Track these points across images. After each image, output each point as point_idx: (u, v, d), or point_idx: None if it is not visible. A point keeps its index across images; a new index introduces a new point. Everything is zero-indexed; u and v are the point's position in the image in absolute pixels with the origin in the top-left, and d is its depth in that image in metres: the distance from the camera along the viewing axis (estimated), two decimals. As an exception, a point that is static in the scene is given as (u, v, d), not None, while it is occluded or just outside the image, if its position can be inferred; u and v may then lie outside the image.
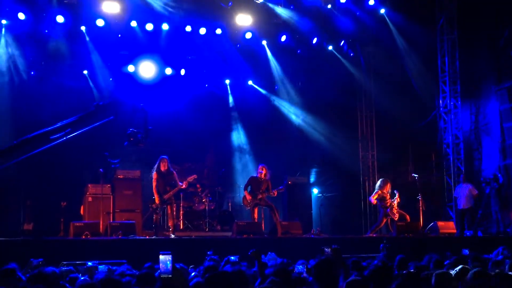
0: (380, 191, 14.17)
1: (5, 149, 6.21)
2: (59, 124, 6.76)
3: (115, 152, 13.25)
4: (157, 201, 12.72)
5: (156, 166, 12.77)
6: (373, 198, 14.23)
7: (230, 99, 18.18)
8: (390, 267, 5.89)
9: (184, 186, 12.97)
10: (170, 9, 15.22)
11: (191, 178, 13.20)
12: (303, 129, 18.24)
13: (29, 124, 11.65)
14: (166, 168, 12.71)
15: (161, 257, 4.44)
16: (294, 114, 18.21)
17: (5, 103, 14.57)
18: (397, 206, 14.15)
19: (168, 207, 13.12)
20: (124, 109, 7.62)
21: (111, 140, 12.74)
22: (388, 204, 14.06)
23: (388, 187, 14.26)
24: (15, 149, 6.20)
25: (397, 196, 14.17)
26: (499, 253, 8.25)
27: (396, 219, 13.98)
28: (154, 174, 12.73)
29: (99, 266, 7.69)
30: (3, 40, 14.90)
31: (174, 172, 12.87)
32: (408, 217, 14.19)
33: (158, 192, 12.72)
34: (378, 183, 14.47)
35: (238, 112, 18.25)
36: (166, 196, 12.74)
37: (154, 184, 12.72)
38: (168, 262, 4.43)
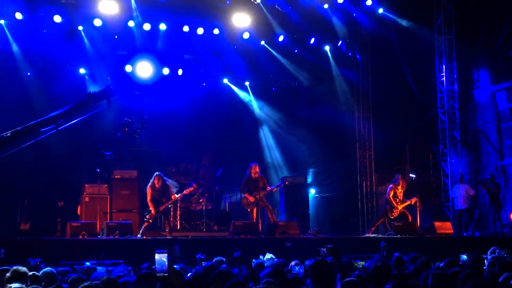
0: (393, 186, 14.18)
1: None
2: (51, 115, 6.67)
3: (111, 146, 13.40)
4: (153, 212, 12.86)
5: (151, 182, 12.95)
6: (390, 196, 14.14)
7: (228, 98, 18.12)
8: (389, 267, 5.88)
9: (179, 197, 13.43)
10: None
11: (187, 191, 13.56)
12: (301, 129, 18.21)
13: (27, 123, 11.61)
14: (160, 185, 12.89)
15: (157, 256, 4.40)
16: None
17: (3, 103, 14.51)
18: (402, 207, 14.16)
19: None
20: (117, 97, 7.52)
21: (107, 135, 12.77)
22: (395, 202, 14.03)
23: (403, 185, 14.27)
24: (7, 141, 6.13)
25: (411, 200, 14.29)
26: (493, 252, 8.23)
27: (392, 217, 13.99)
28: (148, 189, 12.91)
29: (98, 267, 7.67)
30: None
31: (170, 186, 13.11)
32: (410, 217, 14.19)
33: (153, 204, 12.84)
34: (395, 178, 14.46)
35: (235, 111, 18.21)
36: (161, 208, 12.91)
37: (148, 198, 12.90)
38: (163, 261, 4.39)
